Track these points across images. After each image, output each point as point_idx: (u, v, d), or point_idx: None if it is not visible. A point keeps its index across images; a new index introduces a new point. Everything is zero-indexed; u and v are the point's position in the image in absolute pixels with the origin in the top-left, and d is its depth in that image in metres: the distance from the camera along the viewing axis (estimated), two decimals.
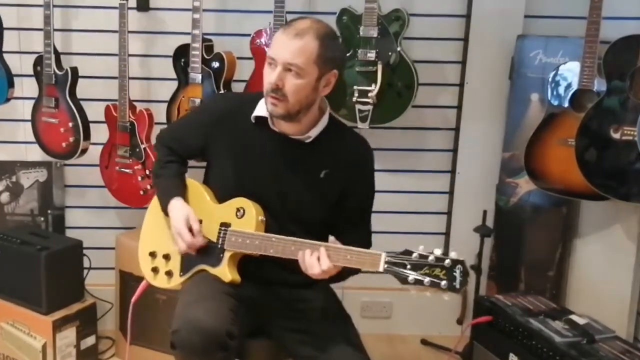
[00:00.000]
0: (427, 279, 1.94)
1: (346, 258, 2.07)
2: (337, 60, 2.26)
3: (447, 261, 1.95)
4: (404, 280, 1.97)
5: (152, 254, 2.46)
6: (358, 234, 2.32)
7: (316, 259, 2.08)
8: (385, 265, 1.99)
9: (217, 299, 2.19)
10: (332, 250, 2.10)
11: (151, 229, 2.52)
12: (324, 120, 2.32)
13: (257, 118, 2.33)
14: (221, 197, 2.37)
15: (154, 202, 2.53)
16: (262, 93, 2.33)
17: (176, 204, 2.38)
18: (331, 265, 2.07)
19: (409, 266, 1.97)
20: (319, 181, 2.31)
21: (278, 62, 2.16)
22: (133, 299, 2.62)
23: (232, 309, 2.19)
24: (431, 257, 1.96)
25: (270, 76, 2.17)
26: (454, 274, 1.94)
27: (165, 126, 3.21)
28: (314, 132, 2.30)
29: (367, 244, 2.36)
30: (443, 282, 1.94)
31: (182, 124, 2.61)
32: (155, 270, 2.44)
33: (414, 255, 1.97)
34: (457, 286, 1.94)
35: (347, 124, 3.18)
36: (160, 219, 2.48)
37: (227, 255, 2.28)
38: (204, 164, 2.51)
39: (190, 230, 2.31)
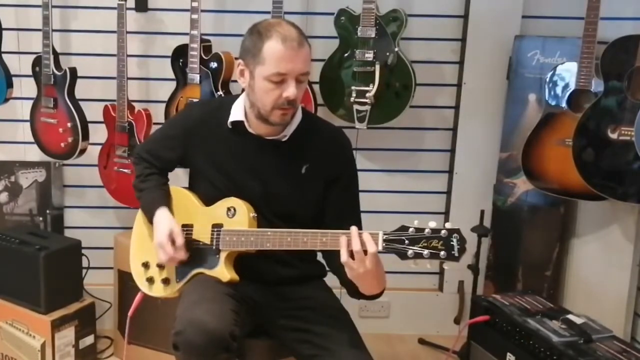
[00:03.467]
0: (426, 252, 1.96)
1: (346, 241, 2.06)
2: None
3: (444, 231, 1.96)
4: (403, 255, 1.97)
5: (145, 265, 2.45)
6: (348, 223, 2.25)
7: (358, 242, 2.02)
8: (384, 244, 2.00)
9: (219, 300, 2.20)
10: (330, 236, 2.10)
11: (140, 240, 2.51)
12: (298, 117, 2.32)
13: (234, 123, 2.34)
14: (208, 202, 2.38)
15: (140, 215, 2.54)
16: (233, 97, 2.39)
17: (161, 215, 2.37)
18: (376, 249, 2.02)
19: (406, 241, 1.97)
20: (301, 177, 2.33)
21: (291, 76, 2.16)
22: (130, 313, 2.61)
23: (234, 310, 2.19)
24: (427, 230, 1.97)
25: (287, 91, 2.16)
26: (452, 243, 1.95)
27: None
28: (289, 130, 2.31)
29: None
30: (442, 252, 1.95)
31: (157, 139, 2.57)
32: (150, 280, 2.44)
33: (410, 230, 1.98)
34: (456, 254, 1.95)
35: (344, 124, 3.23)
36: (148, 229, 2.48)
37: (222, 255, 2.28)
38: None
39: (174, 243, 2.30)
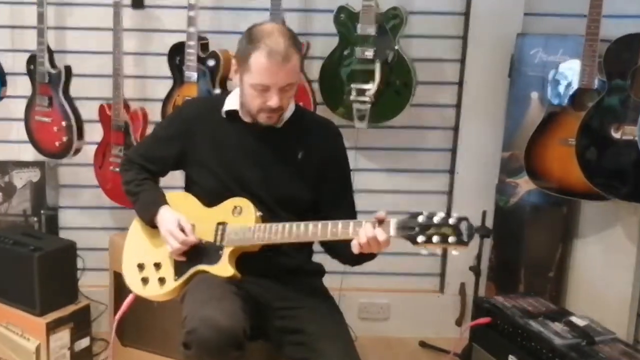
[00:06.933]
0: (435, 237, 2.01)
1: (355, 230, 2.12)
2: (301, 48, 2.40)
3: (452, 219, 2.01)
4: (414, 240, 2.03)
5: (140, 266, 2.45)
6: (344, 211, 2.37)
7: (373, 231, 2.09)
8: (395, 230, 2.07)
9: (228, 299, 2.21)
10: (341, 225, 2.15)
11: (136, 242, 2.52)
12: (291, 107, 2.40)
13: (228, 112, 2.41)
14: (209, 196, 2.41)
15: (136, 222, 2.54)
16: (225, 93, 2.52)
17: (166, 211, 2.41)
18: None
19: (417, 228, 2.02)
20: (298, 162, 2.40)
21: (274, 87, 2.23)
22: (117, 316, 2.61)
23: (242, 309, 2.21)
24: (437, 218, 2.02)
25: (271, 100, 2.24)
26: (460, 229, 2.00)
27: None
28: (282, 117, 2.37)
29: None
30: (451, 238, 2.00)
31: (152, 142, 2.62)
32: (145, 280, 2.43)
33: (420, 218, 2.04)
34: (465, 239, 2.00)
35: (344, 123, 3.25)
36: (145, 232, 2.49)
37: (226, 251, 2.30)
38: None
39: (182, 231, 2.33)
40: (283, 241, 2.23)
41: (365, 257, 2.22)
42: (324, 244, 2.41)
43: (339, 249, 2.31)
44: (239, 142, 2.40)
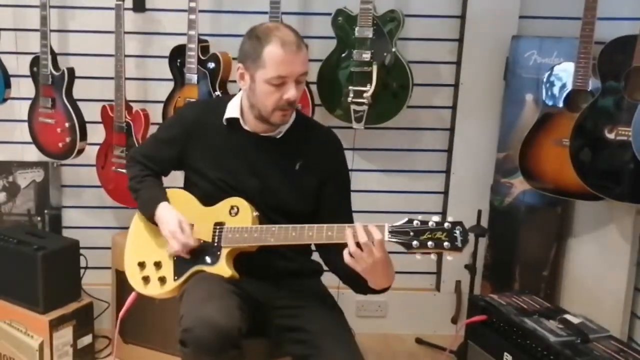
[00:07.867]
0: (430, 242, 2.00)
1: (352, 233, 2.09)
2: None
3: (447, 224, 2.01)
4: (408, 245, 2.02)
5: (141, 264, 2.45)
6: (342, 219, 2.31)
7: (368, 229, 2.06)
8: (389, 235, 2.05)
9: (226, 297, 2.21)
10: (337, 228, 2.13)
11: (137, 240, 2.52)
12: (292, 116, 2.39)
13: (229, 120, 2.40)
14: (206, 200, 2.41)
15: (137, 216, 2.56)
16: (229, 96, 2.46)
17: (165, 208, 2.41)
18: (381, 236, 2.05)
19: (411, 233, 2.02)
20: (295, 173, 2.39)
21: (291, 78, 2.23)
22: (120, 314, 2.62)
23: (240, 307, 2.21)
24: (431, 223, 2.02)
25: (288, 93, 2.23)
26: (455, 234, 2.00)
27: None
28: (283, 128, 2.38)
29: None
30: (445, 243, 2.00)
31: (154, 142, 2.61)
32: (146, 279, 2.44)
33: (415, 222, 2.03)
34: (459, 245, 2.00)
35: (342, 124, 3.27)
36: (146, 230, 2.50)
37: (224, 252, 2.30)
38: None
39: (183, 232, 2.33)
40: (279, 243, 2.22)
41: (363, 282, 2.18)
42: (330, 266, 2.40)
43: (346, 274, 2.23)
44: (238, 151, 2.38)
